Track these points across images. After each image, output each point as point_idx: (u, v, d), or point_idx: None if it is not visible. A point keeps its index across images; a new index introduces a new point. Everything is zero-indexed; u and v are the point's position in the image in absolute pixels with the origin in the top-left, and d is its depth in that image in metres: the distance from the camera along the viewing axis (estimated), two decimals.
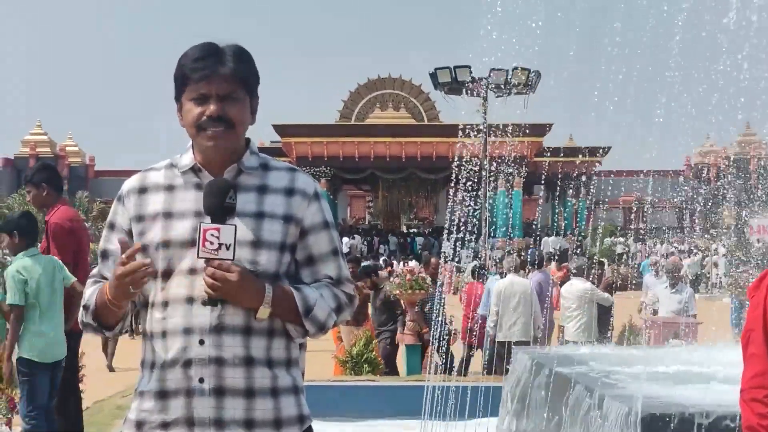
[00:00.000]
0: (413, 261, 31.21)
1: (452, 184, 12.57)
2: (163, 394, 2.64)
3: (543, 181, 41.80)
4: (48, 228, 7.24)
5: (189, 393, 2.60)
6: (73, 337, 7.10)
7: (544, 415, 5.71)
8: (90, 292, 2.76)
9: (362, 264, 13.88)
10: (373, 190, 56.70)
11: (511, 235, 39.04)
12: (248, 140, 2.80)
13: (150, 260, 2.60)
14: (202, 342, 2.61)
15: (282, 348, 2.69)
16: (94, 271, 2.83)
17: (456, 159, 12.80)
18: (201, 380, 2.60)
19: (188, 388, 2.61)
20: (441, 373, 9.87)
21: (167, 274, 2.65)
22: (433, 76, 39.19)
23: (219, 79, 2.66)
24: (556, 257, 27.05)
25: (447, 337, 11.69)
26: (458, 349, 12.97)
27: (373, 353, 11.24)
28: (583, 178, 41.11)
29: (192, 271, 2.63)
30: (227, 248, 2.55)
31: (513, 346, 8.18)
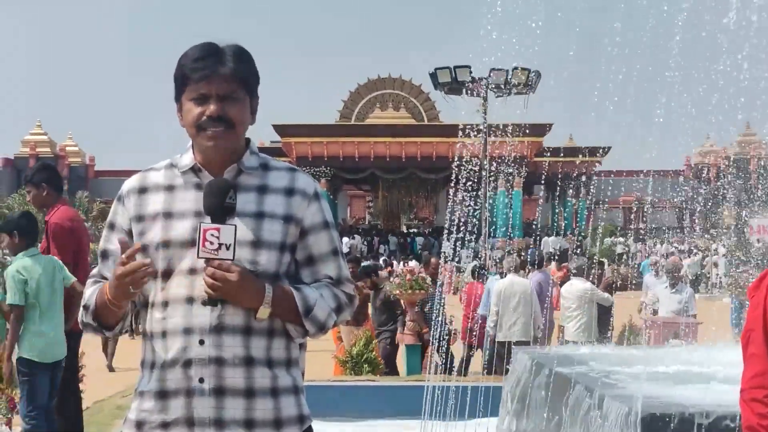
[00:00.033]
0: (413, 261, 31.22)
1: (452, 184, 12.57)
2: (163, 394, 2.64)
3: (543, 181, 41.82)
4: (48, 228, 7.24)
5: (189, 393, 2.60)
6: (73, 337, 7.10)
7: (544, 415, 5.71)
8: (90, 292, 2.76)
9: (362, 264, 13.88)
10: (373, 190, 56.71)
11: (511, 235, 39.04)
12: (248, 140, 2.80)
13: (150, 260, 2.60)
14: (202, 342, 2.61)
15: (282, 348, 2.69)
16: (94, 271, 2.83)
17: (456, 159, 12.80)
18: (201, 380, 2.60)
19: (188, 388, 2.61)
20: (441, 373, 9.87)
21: (167, 274, 2.65)
22: (433, 76, 39.20)
23: (219, 79, 2.66)
24: (556, 257, 27.05)
25: (447, 337, 11.69)
26: (458, 349, 12.97)
27: (373, 353, 11.24)
28: (583, 178, 41.12)
29: (192, 271, 2.63)
30: (227, 248, 2.55)
31: (513, 346, 8.18)
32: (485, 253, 29.79)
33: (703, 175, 45.35)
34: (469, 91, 34.62)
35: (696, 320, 12.51)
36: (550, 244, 38.02)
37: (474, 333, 12.58)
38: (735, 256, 29.99)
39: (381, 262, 33.29)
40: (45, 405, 6.83)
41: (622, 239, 43.52)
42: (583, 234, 40.82)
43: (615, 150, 41.04)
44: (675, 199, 42.24)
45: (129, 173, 3.00)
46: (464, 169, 12.58)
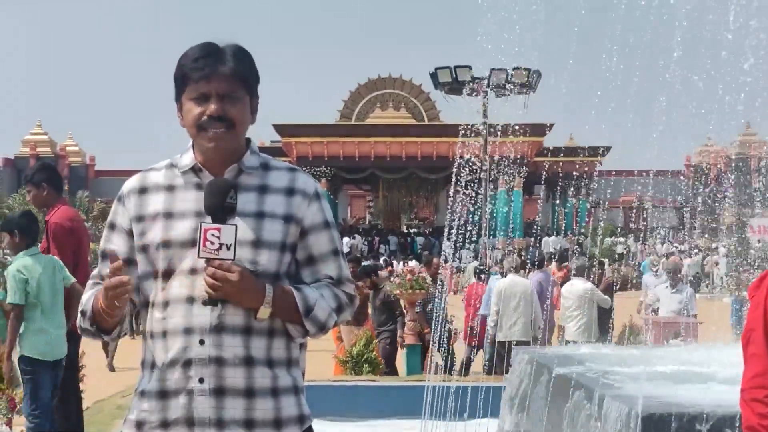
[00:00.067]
0: (413, 261, 31.19)
1: (452, 184, 12.57)
2: (163, 394, 2.64)
3: (543, 181, 41.78)
4: (48, 228, 7.25)
5: (189, 393, 2.60)
6: (73, 338, 7.11)
7: (545, 416, 5.71)
8: (87, 297, 2.75)
9: (362, 264, 13.88)
10: (373, 189, 56.71)
11: (512, 235, 39.02)
12: (248, 140, 2.80)
13: (129, 278, 2.59)
14: (202, 342, 2.61)
15: (282, 348, 2.69)
16: (95, 272, 2.83)
17: (456, 159, 12.80)
18: (201, 380, 2.60)
19: (188, 388, 2.61)
20: (441, 373, 9.87)
21: (168, 274, 2.65)
22: (434, 75, 39.20)
23: (219, 78, 2.66)
24: (556, 257, 27.03)
25: (447, 337, 11.69)
26: (460, 349, 12.98)
27: (374, 353, 11.24)
28: (584, 178, 41.09)
29: (193, 271, 2.63)
30: (228, 248, 2.55)
31: (513, 346, 8.18)
32: (485, 253, 29.77)
33: (704, 175, 45.34)
34: (469, 91, 34.60)
35: (696, 320, 12.52)
36: (550, 244, 38.03)
37: (474, 333, 12.59)
38: (735, 255, 29.98)
39: (381, 262, 33.28)
40: (48, 403, 6.85)
41: (622, 239, 43.52)
42: (583, 234, 40.81)
43: (615, 150, 41.08)
44: (675, 199, 42.24)
45: (129, 173, 3.00)
46: (464, 169, 12.59)
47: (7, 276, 7.08)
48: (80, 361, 7.91)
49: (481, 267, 15.98)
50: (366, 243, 45.34)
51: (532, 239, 37.83)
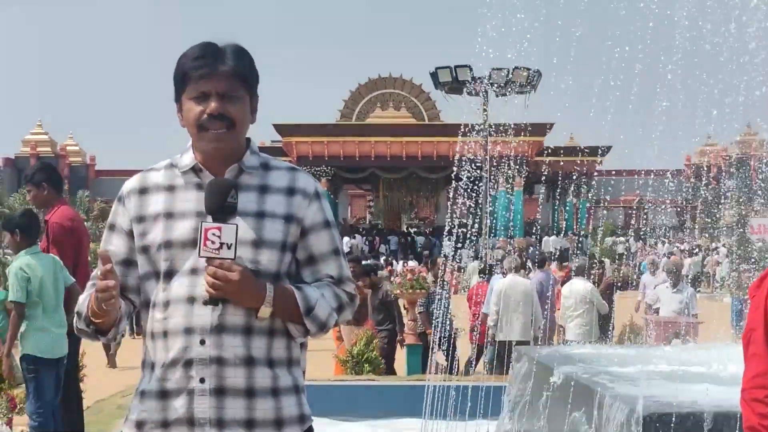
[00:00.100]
0: (412, 261, 31.18)
1: (453, 184, 12.57)
2: (163, 394, 2.63)
3: (544, 181, 41.78)
4: (48, 227, 7.26)
5: (190, 393, 2.60)
6: (74, 337, 7.12)
7: (545, 415, 5.71)
8: (83, 298, 2.75)
9: (362, 263, 13.86)
10: (373, 189, 56.69)
11: (512, 234, 39.00)
12: (248, 140, 2.80)
13: (115, 283, 2.58)
14: (203, 342, 2.60)
15: (283, 347, 2.69)
16: (94, 272, 2.83)
17: (457, 158, 12.79)
18: (202, 380, 2.60)
19: (189, 388, 2.60)
20: (442, 373, 9.87)
21: (169, 275, 2.65)
22: (434, 75, 39.14)
23: (219, 77, 2.66)
24: (556, 257, 27.02)
25: (448, 337, 11.68)
26: (465, 349, 12.98)
27: (374, 353, 11.24)
28: (584, 178, 41.07)
29: (193, 271, 2.63)
30: (228, 248, 2.55)
31: (513, 346, 8.18)
32: (486, 253, 29.77)
33: (704, 175, 45.31)
34: (469, 91, 34.58)
35: (697, 320, 12.52)
36: (551, 243, 37.98)
37: (475, 332, 12.59)
38: (736, 255, 29.98)
39: (381, 261, 33.28)
40: (51, 402, 6.86)
41: (623, 239, 43.50)
42: (584, 233, 40.80)
43: (616, 149, 41.03)
44: (676, 198, 42.22)
45: (129, 173, 3.00)
46: (465, 169, 12.58)
47: (9, 274, 7.10)
48: (81, 361, 7.92)
49: (489, 265, 15.96)
50: (367, 243, 45.32)
51: (533, 239, 37.79)
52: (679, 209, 45.18)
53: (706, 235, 40.46)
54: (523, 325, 11.70)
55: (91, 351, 10.06)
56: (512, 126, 24.53)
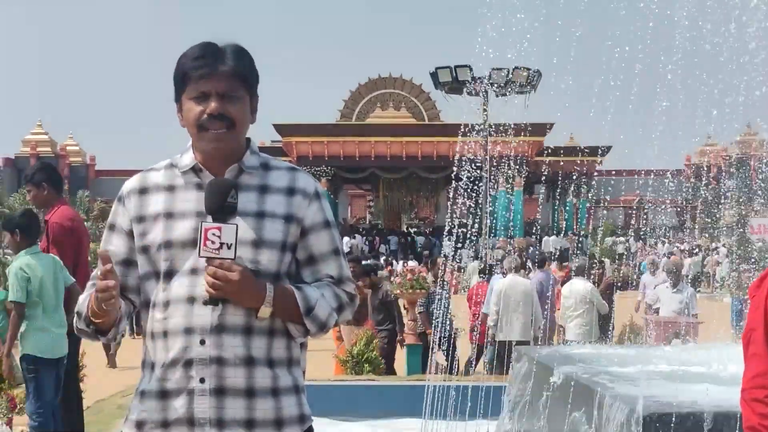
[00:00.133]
0: (412, 261, 31.16)
1: (453, 184, 12.58)
2: (163, 394, 2.63)
3: (544, 181, 41.78)
4: (48, 227, 7.26)
5: (190, 393, 2.60)
6: (74, 337, 7.12)
7: (545, 415, 5.71)
8: (83, 298, 2.75)
9: (362, 263, 13.86)
10: (373, 189, 56.70)
11: (512, 234, 38.99)
12: (248, 140, 2.80)
13: (114, 282, 2.58)
14: (203, 342, 2.60)
15: (283, 347, 2.69)
16: (94, 272, 2.83)
17: (457, 159, 12.79)
18: (202, 380, 2.60)
19: (189, 388, 2.60)
20: (442, 373, 9.87)
21: (169, 275, 2.65)
22: (434, 75, 39.14)
23: (219, 76, 2.66)
24: (556, 257, 27.03)
25: (449, 337, 11.69)
26: (465, 349, 12.97)
27: (374, 353, 11.23)
28: (584, 178, 41.07)
29: (194, 271, 2.63)
30: (228, 247, 2.55)
31: (513, 346, 8.18)
32: (486, 253, 29.77)
33: (704, 175, 45.31)
34: (469, 91, 34.57)
35: (697, 320, 12.52)
36: (551, 243, 37.98)
37: (475, 332, 12.59)
38: (736, 255, 29.98)
39: (382, 261, 33.26)
40: (51, 402, 6.87)
41: (623, 239, 43.51)
42: (584, 233, 40.79)
43: (616, 149, 41.03)
44: (676, 198, 42.22)
45: (130, 173, 2.99)
46: (465, 169, 12.58)
47: (9, 274, 7.11)
48: (81, 361, 7.92)
49: (489, 265, 15.96)
50: (367, 243, 45.33)
51: (533, 239, 37.80)
52: (679, 209, 45.18)
53: (706, 235, 40.47)
54: (523, 325, 11.69)
55: (91, 351, 10.06)
56: (512, 126, 24.53)
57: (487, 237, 30.74)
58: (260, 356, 2.63)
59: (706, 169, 45.83)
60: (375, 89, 51.46)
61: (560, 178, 46.49)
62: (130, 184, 2.79)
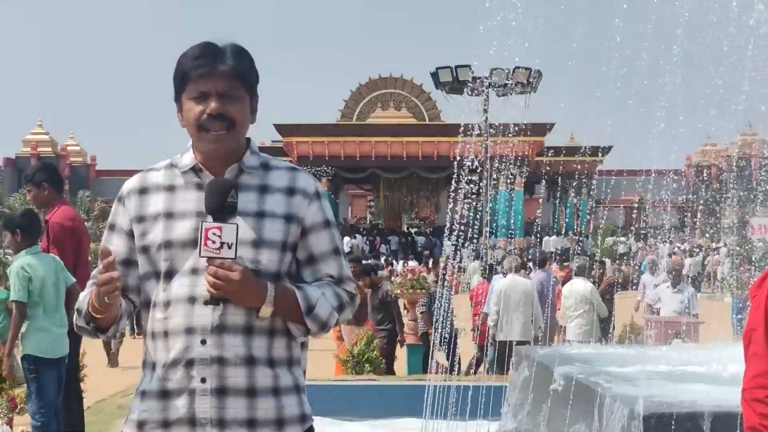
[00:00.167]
0: (413, 260, 31.15)
1: (453, 184, 12.57)
2: (164, 394, 2.63)
3: (544, 181, 41.77)
4: (48, 227, 7.27)
5: (191, 393, 2.60)
6: (74, 337, 7.12)
7: (546, 416, 5.71)
8: (83, 296, 2.75)
9: (362, 263, 13.86)
10: (374, 189, 56.71)
11: (513, 234, 38.98)
12: (248, 140, 2.79)
13: (117, 274, 2.58)
14: (203, 342, 2.60)
15: (283, 347, 2.69)
16: (94, 272, 2.83)
17: (457, 158, 12.78)
18: (203, 380, 2.60)
19: (190, 388, 2.60)
20: (443, 373, 9.87)
21: (169, 275, 2.65)
22: (434, 75, 39.12)
23: (219, 76, 2.66)
24: (557, 257, 27.03)
25: (450, 337, 11.68)
26: (466, 349, 12.97)
27: (375, 352, 11.23)
28: (585, 178, 41.07)
29: (194, 271, 2.63)
30: (229, 247, 2.54)
31: (514, 346, 8.18)
32: (486, 253, 29.76)
33: (704, 175, 45.33)
34: (470, 91, 34.56)
35: (698, 320, 12.52)
36: (551, 243, 37.97)
37: (476, 332, 12.59)
38: (737, 254, 29.98)
39: (382, 261, 33.26)
40: (53, 402, 6.87)
41: (623, 238, 43.51)
42: (584, 233, 40.78)
43: (616, 149, 41.03)
44: (677, 198, 42.22)
45: (130, 173, 2.99)
46: (465, 169, 12.57)
47: (10, 274, 7.11)
48: (81, 361, 7.92)
49: (490, 264, 15.96)
50: (367, 243, 45.33)
51: (533, 239, 37.80)
52: (679, 209, 45.19)
53: (707, 235, 40.46)
54: (523, 325, 11.69)
55: (92, 351, 10.06)
56: (513, 126, 24.52)
57: (487, 237, 30.74)
58: (261, 356, 2.63)
59: (706, 169, 45.83)
60: (375, 89, 51.46)
61: (561, 178, 46.49)
62: (130, 184, 2.79)
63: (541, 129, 42.47)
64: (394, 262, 37.30)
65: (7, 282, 7.61)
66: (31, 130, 59.27)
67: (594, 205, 44.36)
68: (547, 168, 42.20)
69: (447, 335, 10.81)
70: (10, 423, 7.76)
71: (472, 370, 12.56)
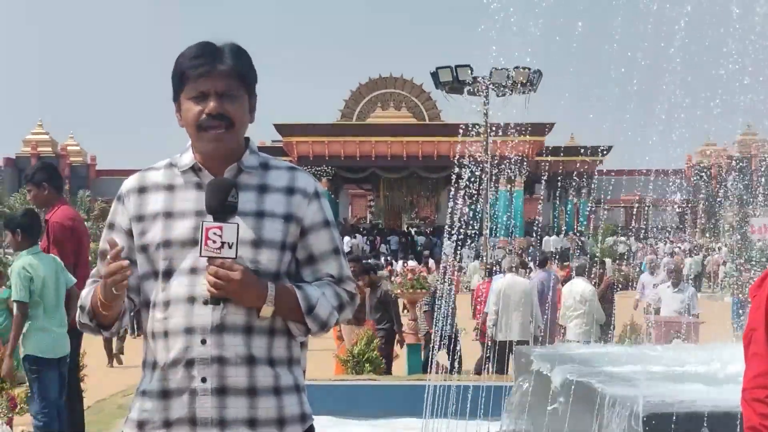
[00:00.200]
0: (413, 260, 31.14)
1: (453, 184, 12.57)
2: (165, 394, 2.63)
3: (544, 181, 41.77)
4: (48, 227, 7.27)
5: (191, 393, 2.60)
6: (75, 337, 7.13)
7: (545, 416, 5.71)
8: (86, 293, 2.75)
9: (362, 262, 13.85)
10: (374, 189, 56.73)
11: (513, 234, 38.97)
12: (247, 139, 2.79)
13: (128, 262, 2.58)
14: (204, 341, 2.60)
15: (283, 347, 2.69)
16: (94, 271, 2.83)
17: (457, 158, 12.78)
18: (203, 380, 2.60)
19: (190, 388, 2.60)
20: (443, 373, 9.87)
21: (168, 274, 2.65)
22: (435, 75, 39.12)
23: (218, 76, 2.66)
24: (557, 257, 27.02)
25: (451, 336, 11.67)
26: (467, 348, 12.95)
27: (375, 352, 11.23)
28: (585, 178, 41.07)
29: (193, 271, 2.62)
30: (230, 247, 2.54)
31: (514, 346, 8.18)
32: (487, 253, 29.76)
33: (705, 175, 45.32)
34: (470, 91, 34.56)
35: (698, 319, 12.52)
36: (551, 243, 38.00)
37: (477, 332, 12.58)
38: (736, 255, 29.99)
39: (382, 261, 33.25)
40: (55, 401, 6.87)
41: (624, 238, 43.51)
42: (584, 233, 40.78)
43: (616, 149, 41.05)
44: (677, 198, 42.22)
45: (130, 173, 2.99)
46: (465, 169, 12.57)
47: (11, 274, 7.11)
48: (81, 360, 7.92)
49: (492, 264, 15.96)
50: (368, 243, 45.33)
51: (533, 239, 37.81)
52: (679, 209, 45.18)
53: (707, 235, 40.46)
54: (522, 325, 11.69)
55: (92, 350, 10.06)
56: (513, 126, 24.53)
57: (487, 237, 30.74)
58: (261, 355, 2.63)
59: (707, 169, 45.83)
60: (375, 89, 51.46)
61: (561, 178, 46.48)
62: (130, 183, 2.79)
63: (541, 129, 42.48)
64: (394, 261, 37.29)
65: (8, 281, 7.60)
66: (31, 130, 59.30)
67: (594, 204, 44.36)
68: (547, 168, 42.19)
69: (448, 335, 10.81)
70: (10, 423, 7.76)
71: (481, 370, 12.54)
